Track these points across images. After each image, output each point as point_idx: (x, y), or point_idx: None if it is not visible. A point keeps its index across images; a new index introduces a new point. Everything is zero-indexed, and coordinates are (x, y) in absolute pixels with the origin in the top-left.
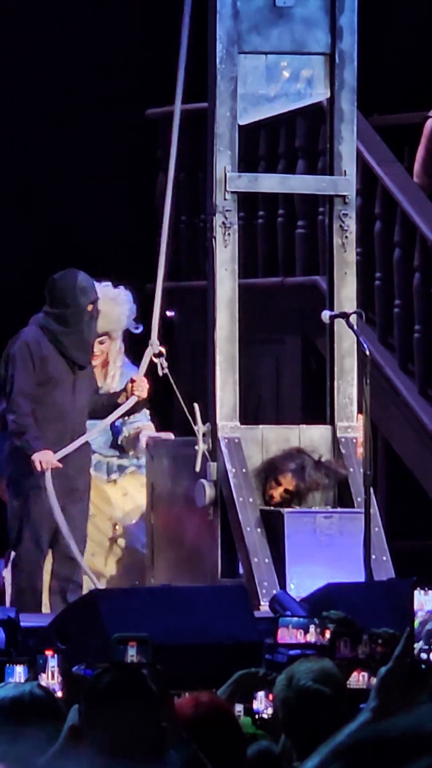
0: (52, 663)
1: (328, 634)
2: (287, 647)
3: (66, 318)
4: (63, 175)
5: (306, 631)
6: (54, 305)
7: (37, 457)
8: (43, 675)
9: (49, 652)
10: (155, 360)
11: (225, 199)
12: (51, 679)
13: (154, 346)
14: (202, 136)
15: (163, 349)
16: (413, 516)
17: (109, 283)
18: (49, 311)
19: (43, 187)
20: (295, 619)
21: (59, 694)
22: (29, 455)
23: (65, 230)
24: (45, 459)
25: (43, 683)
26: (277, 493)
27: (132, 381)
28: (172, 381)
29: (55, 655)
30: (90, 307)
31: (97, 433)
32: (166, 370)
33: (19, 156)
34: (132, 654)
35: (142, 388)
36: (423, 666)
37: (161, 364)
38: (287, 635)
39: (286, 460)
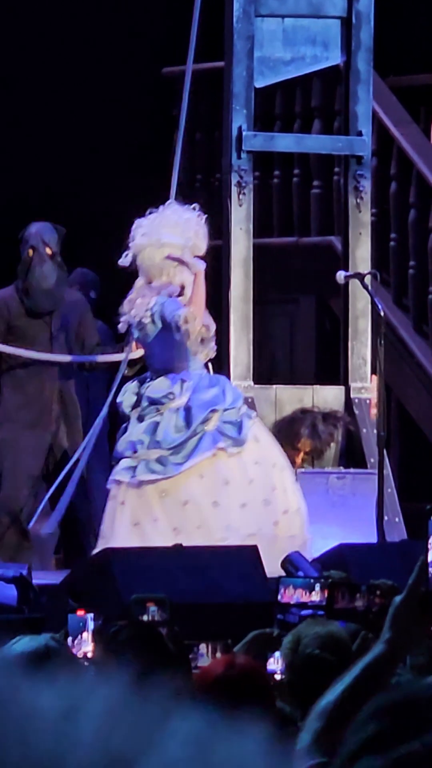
0: (91, 626)
1: (327, 594)
2: (299, 607)
3: (19, 274)
4: (80, 133)
5: (311, 591)
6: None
7: None
8: (73, 637)
9: (80, 612)
10: None
11: (240, 159)
12: (90, 641)
13: None
14: (219, 95)
15: None
16: (426, 477)
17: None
18: None
19: (59, 145)
20: (299, 579)
21: (90, 654)
22: None
23: (81, 188)
24: None
25: (73, 645)
26: (298, 458)
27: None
28: None
29: (91, 617)
30: (30, 253)
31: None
32: None
33: (35, 113)
34: (153, 611)
35: None
36: None
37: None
38: (289, 595)
39: (297, 425)
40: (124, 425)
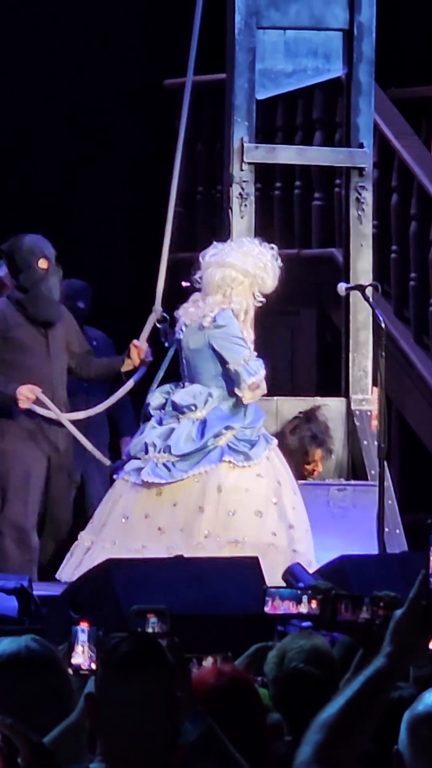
0: (83, 637)
1: (314, 605)
2: (299, 619)
3: (23, 284)
4: (80, 144)
5: (299, 603)
6: (13, 274)
7: (21, 392)
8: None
9: (84, 624)
10: (158, 326)
11: (242, 170)
12: (82, 653)
13: (158, 312)
14: (221, 107)
15: (166, 315)
16: (426, 489)
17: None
18: (13, 281)
19: (59, 155)
20: (286, 590)
21: (93, 666)
22: (14, 402)
23: (83, 199)
24: (26, 390)
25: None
26: (318, 467)
27: (137, 347)
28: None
29: (85, 628)
30: (43, 263)
31: (106, 407)
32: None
33: (35, 123)
34: (154, 622)
35: (149, 354)
36: None
37: (165, 330)
38: (276, 607)
39: (301, 447)
40: (142, 427)
